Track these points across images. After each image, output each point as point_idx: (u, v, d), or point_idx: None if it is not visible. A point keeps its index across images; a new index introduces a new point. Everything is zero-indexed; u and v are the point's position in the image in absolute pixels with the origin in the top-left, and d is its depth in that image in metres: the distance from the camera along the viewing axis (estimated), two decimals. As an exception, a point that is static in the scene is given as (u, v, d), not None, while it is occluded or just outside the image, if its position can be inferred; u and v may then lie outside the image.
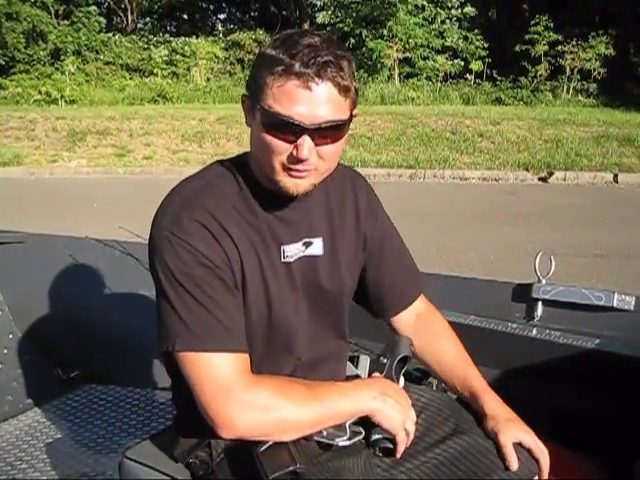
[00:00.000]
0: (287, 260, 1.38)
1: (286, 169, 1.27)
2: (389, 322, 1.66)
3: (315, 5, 17.97)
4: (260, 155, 1.29)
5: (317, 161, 1.27)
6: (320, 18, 17.73)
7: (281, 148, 1.24)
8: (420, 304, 1.66)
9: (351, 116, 1.28)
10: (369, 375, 1.53)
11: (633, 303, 1.99)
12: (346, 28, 17.26)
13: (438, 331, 1.65)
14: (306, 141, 1.22)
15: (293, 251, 1.39)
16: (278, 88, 1.20)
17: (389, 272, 1.59)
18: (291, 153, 1.24)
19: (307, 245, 1.41)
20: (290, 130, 1.22)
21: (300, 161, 1.24)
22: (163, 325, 1.28)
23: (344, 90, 1.22)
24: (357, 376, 1.55)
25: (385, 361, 1.50)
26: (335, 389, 1.33)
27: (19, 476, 2.37)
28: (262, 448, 1.26)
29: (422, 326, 1.64)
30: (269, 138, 1.24)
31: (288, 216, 1.38)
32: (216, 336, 1.26)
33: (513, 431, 1.44)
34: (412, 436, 1.38)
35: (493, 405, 1.50)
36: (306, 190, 1.31)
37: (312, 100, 1.20)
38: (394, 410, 1.34)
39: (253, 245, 1.33)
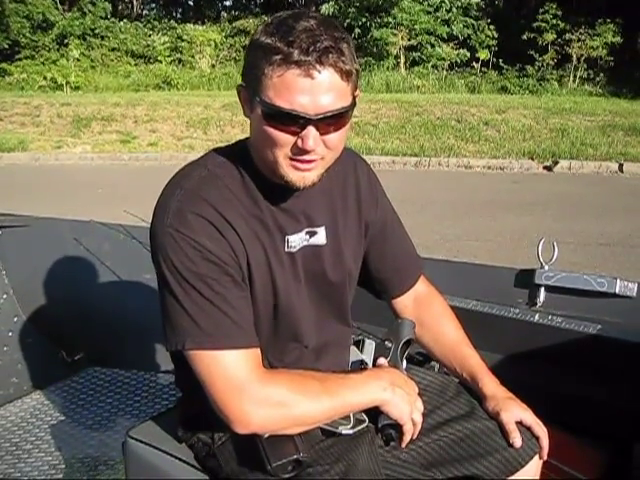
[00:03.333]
0: (291, 250, 1.36)
1: (291, 162, 1.23)
2: (390, 304, 1.66)
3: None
4: (263, 148, 1.25)
5: (323, 150, 1.23)
6: (324, 9, 17.62)
7: (285, 140, 1.20)
8: (421, 286, 1.67)
9: (354, 99, 1.24)
10: (374, 360, 1.52)
11: (635, 289, 2.00)
12: (351, 19, 17.14)
13: (438, 312, 1.66)
14: (311, 132, 1.18)
15: (297, 241, 1.37)
16: (278, 78, 1.15)
17: (391, 256, 1.59)
18: (295, 144, 1.20)
19: (311, 235, 1.39)
20: (294, 122, 1.17)
21: (306, 152, 1.20)
22: (171, 323, 1.25)
23: (346, 75, 1.18)
24: (362, 361, 1.55)
25: (390, 345, 1.50)
26: (347, 382, 1.32)
27: (24, 456, 2.39)
28: (266, 435, 1.27)
29: (422, 307, 1.65)
30: (272, 131, 1.20)
31: (291, 206, 1.35)
32: (227, 333, 1.23)
33: (514, 409, 1.46)
34: (419, 427, 1.38)
35: (492, 386, 1.52)
36: (314, 182, 1.27)
37: (314, 89, 1.15)
38: (403, 401, 1.34)
39: (258, 236, 1.31)
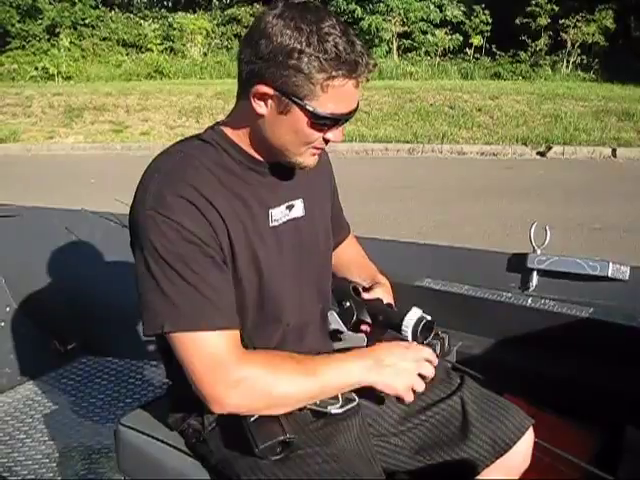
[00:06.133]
0: (274, 224, 1.38)
1: (313, 150, 1.33)
2: None
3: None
4: (286, 142, 1.30)
5: None
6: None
7: (317, 136, 1.28)
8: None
9: None
10: (354, 324, 1.54)
11: (628, 273, 2.00)
12: (338, 6, 17.04)
13: (351, 255, 1.77)
14: (342, 128, 1.31)
15: (279, 214, 1.40)
16: (338, 88, 1.21)
17: (336, 213, 1.68)
18: (324, 137, 1.30)
19: (290, 208, 1.42)
20: (339, 123, 1.28)
21: (328, 143, 1.32)
22: (149, 306, 1.25)
23: (366, 81, 1.28)
24: (336, 330, 1.55)
25: (348, 304, 1.55)
26: (328, 363, 1.32)
27: (17, 445, 2.39)
28: (252, 418, 1.27)
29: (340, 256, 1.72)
30: (313, 132, 1.27)
31: (270, 181, 1.39)
32: (206, 315, 1.24)
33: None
34: (423, 387, 1.38)
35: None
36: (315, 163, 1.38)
37: (356, 95, 1.27)
38: (395, 376, 1.34)
39: (238, 214, 1.32)
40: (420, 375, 1.36)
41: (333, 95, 1.21)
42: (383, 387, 1.33)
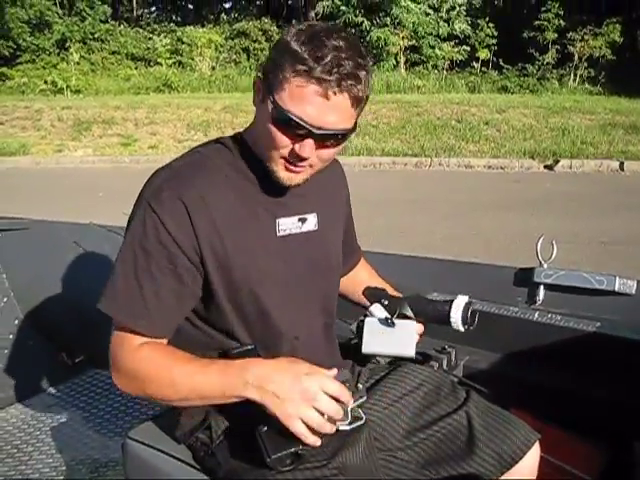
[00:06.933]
0: (282, 234, 1.40)
1: (284, 162, 1.30)
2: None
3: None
4: (262, 141, 1.31)
5: (314, 160, 1.30)
6: (319, 7, 17.66)
7: (284, 143, 1.26)
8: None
9: (355, 123, 1.31)
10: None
11: (634, 287, 2.00)
12: (346, 18, 17.12)
13: (365, 276, 1.81)
14: (309, 143, 1.25)
15: (288, 225, 1.41)
16: (297, 87, 1.21)
17: (349, 236, 1.71)
18: (293, 149, 1.26)
19: (303, 221, 1.44)
20: (297, 130, 1.24)
21: (300, 159, 1.27)
22: (107, 282, 1.35)
23: (357, 101, 1.25)
24: (387, 318, 1.50)
25: (387, 302, 1.54)
26: (206, 370, 1.28)
27: (25, 459, 2.39)
28: (265, 428, 1.26)
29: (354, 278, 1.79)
30: (275, 131, 1.25)
31: (283, 191, 1.39)
32: (135, 315, 1.32)
33: None
34: (327, 430, 1.22)
35: None
36: (298, 184, 1.34)
37: (326, 108, 1.22)
38: (278, 404, 1.20)
39: (242, 218, 1.35)
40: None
41: (293, 93, 1.21)
42: (269, 409, 1.21)
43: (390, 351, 1.50)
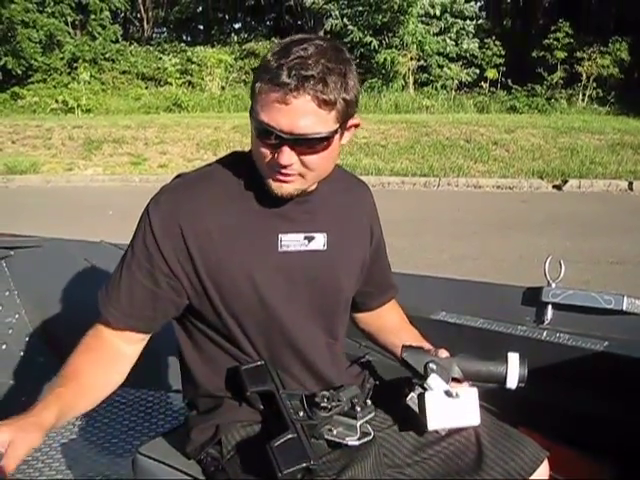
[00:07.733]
0: (284, 249, 1.41)
1: (271, 172, 1.32)
2: (357, 316, 1.75)
3: (330, 14, 17.93)
4: (254, 154, 1.35)
5: (301, 168, 1.31)
6: (327, 25, 17.78)
7: (266, 153, 1.29)
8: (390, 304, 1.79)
9: (342, 128, 1.30)
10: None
11: (643, 307, 2.00)
12: (354, 38, 17.23)
13: (395, 320, 1.76)
14: (285, 150, 1.26)
15: (292, 241, 1.42)
16: (264, 96, 1.24)
17: (378, 272, 1.68)
18: (274, 158, 1.28)
19: (309, 239, 1.44)
20: (271, 138, 1.26)
21: (282, 166, 1.28)
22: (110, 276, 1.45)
23: (326, 104, 1.23)
24: (447, 392, 1.44)
25: (434, 366, 1.46)
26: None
27: (35, 475, 2.40)
28: (276, 443, 1.27)
29: (381, 317, 1.76)
30: (258, 142, 1.30)
31: (288, 209, 1.41)
32: (109, 301, 1.42)
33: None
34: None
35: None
36: (291, 194, 1.35)
37: (290, 112, 1.22)
38: None
39: (240, 231, 1.38)
40: None
41: (262, 102, 1.25)
42: None
43: (457, 424, 1.46)
